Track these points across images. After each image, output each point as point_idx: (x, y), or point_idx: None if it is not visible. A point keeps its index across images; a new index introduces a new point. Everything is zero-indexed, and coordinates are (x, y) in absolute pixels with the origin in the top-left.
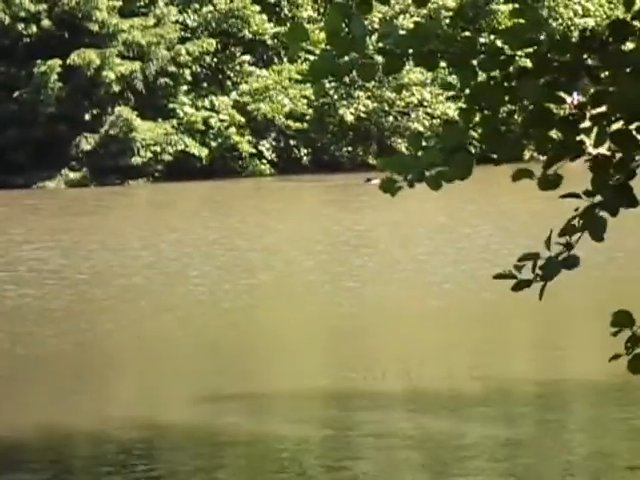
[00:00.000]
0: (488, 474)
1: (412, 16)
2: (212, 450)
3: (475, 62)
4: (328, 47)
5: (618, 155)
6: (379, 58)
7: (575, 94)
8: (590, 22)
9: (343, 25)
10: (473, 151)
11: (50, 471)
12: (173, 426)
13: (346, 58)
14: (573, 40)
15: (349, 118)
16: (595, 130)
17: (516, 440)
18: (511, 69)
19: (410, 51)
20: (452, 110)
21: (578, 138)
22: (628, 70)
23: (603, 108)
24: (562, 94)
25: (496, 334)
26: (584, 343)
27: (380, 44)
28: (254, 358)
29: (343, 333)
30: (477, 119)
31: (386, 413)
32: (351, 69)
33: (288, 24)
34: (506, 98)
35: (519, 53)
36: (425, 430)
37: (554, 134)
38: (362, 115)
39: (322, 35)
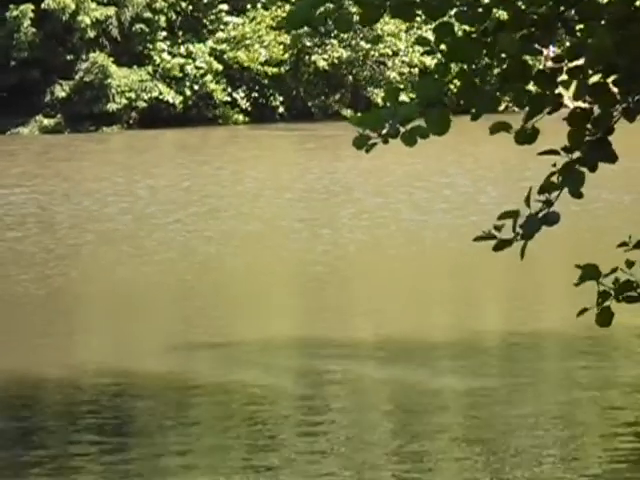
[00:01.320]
0: (457, 422)
1: None
2: (182, 397)
3: (452, 13)
4: None
5: (596, 110)
6: (355, 9)
7: (552, 47)
8: None
9: None
10: (449, 104)
11: (18, 418)
12: (144, 373)
13: (322, 8)
14: None
15: (322, 64)
16: (573, 84)
17: (484, 390)
18: (488, 22)
19: (387, 3)
20: (429, 60)
21: (555, 91)
22: (603, 22)
23: (580, 61)
24: (539, 47)
25: (467, 285)
26: (556, 295)
27: None
28: (226, 305)
29: (315, 281)
30: (454, 72)
31: (356, 362)
32: (327, 18)
33: None
34: (483, 52)
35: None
36: (395, 379)
37: (531, 87)
38: (336, 63)
39: None
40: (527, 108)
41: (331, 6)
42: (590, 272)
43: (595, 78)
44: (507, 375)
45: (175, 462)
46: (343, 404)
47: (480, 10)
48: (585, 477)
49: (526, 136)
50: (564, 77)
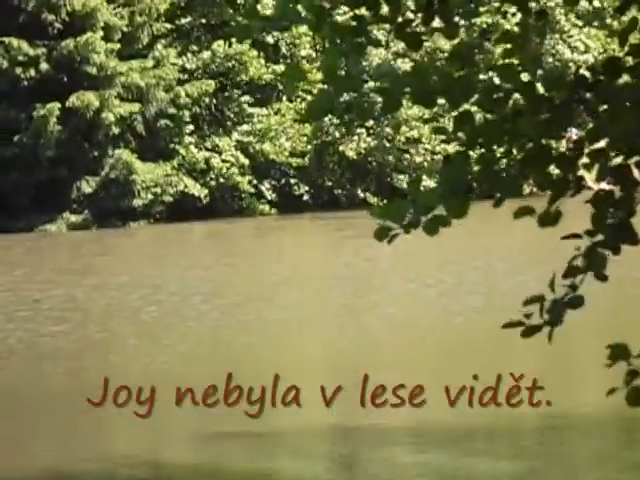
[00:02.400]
0: None
1: (409, 58)
2: None
3: (472, 100)
4: (325, 86)
5: (618, 192)
6: (376, 97)
7: (574, 130)
8: (589, 58)
9: (340, 64)
10: (472, 189)
11: None
12: (177, 464)
13: (344, 96)
14: (568, 78)
15: (350, 154)
16: (594, 166)
17: (520, 473)
18: (508, 108)
19: (407, 89)
20: (450, 147)
21: (577, 174)
22: (627, 104)
23: (602, 143)
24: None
25: (497, 365)
26: (587, 375)
27: (378, 84)
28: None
29: (348, 369)
30: (474, 159)
31: (391, 449)
32: (348, 107)
33: (286, 64)
34: (505, 138)
35: (515, 91)
36: (431, 466)
37: (553, 170)
38: (362, 152)
39: (320, 75)
40: (549, 191)
41: (353, 94)
42: (620, 352)
43: (617, 160)
44: (539, 457)
45: None
46: None
47: (500, 95)
48: None
49: (549, 219)
50: (585, 160)
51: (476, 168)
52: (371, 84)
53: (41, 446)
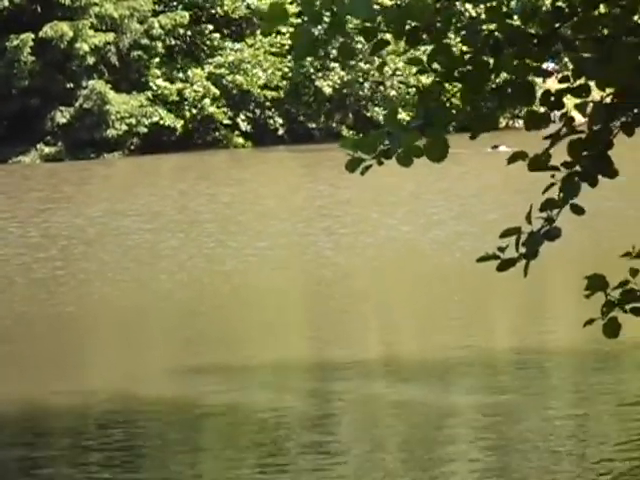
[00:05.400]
0: (471, 441)
1: None
2: (191, 421)
3: (453, 36)
4: (301, 21)
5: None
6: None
7: (550, 63)
8: None
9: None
10: (448, 126)
11: (29, 445)
12: (152, 397)
13: (320, 29)
14: (544, 10)
15: (327, 90)
16: (573, 101)
17: (496, 407)
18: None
19: (391, 26)
20: (425, 79)
21: (561, 111)
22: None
23: (582, 80)
24: (543, 65)
25: (474, 301)
26: (562, 308)
27: (363, 23)
28: (234, 326)
29: (323, 300)
30: (451, 91)
31: (367, 382)
32: (329, 45)
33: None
34: (483, 71)
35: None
36: (407, 398)
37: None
38: (337, 87)
39: (293, 8)
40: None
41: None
42: (597, 283)
43: (595, 94)
44: (518, 391)
45: None
46: (355, 426)
47: (479, 28)
48: None
49: (540, 162)
50: (576, 99)
51: (453, 100)
52: (354, 21)
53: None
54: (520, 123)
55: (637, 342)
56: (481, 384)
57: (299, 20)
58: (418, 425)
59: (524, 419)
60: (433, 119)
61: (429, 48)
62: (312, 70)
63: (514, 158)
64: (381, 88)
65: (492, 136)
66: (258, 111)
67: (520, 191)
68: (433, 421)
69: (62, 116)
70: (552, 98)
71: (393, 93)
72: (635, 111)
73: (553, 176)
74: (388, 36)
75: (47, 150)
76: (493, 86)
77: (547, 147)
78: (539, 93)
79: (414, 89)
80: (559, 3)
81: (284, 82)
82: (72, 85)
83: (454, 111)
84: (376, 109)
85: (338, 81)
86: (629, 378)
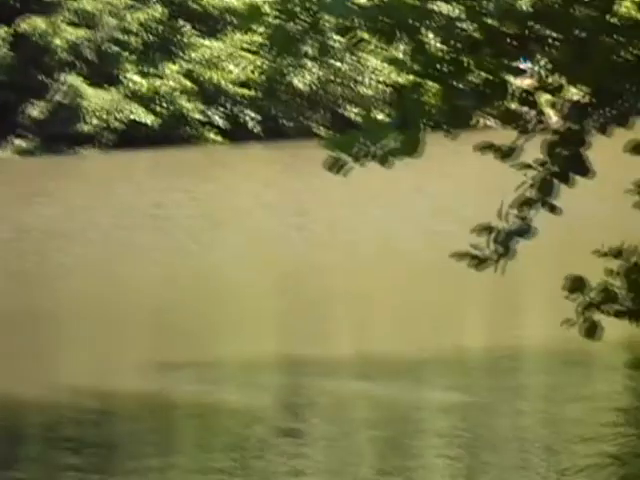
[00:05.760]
0: (442, 437)
1: None
2: (162, 417)
3: (429, 31)
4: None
5: (572, 125)
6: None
7: (523, 62)
8: None
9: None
10: (424, 124)
11: None
12: (125, 391)
13: (296, 27)
14: (519, 9)
15: (300, 86)
16: (550, 101)
17: (470, 404)
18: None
19: (367, 24)
20: (402, 79)
21: (539, 110)
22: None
23: (557, 78)
24: (517, 65)
25: (448, 298)
26: (538, 308)
27: (340, 21)
28: (207, 321)
29: (296, 297)
30: (430, 92)
31: (337, 378)
32: (305, 43)
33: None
34: (460, 70)
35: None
36: (379, 395)
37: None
38: (313, 85)
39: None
40: (510, 127)
41: (308, 28)
42: (576, 284)
43: (571, 94)
44: (490, 389)
45: None
46: (326, 422)
47: (457, 26)
48: None
49: (509, 153)
50: (548, 96)
51: (430, 100)
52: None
53: None
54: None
55: (609, 341)
56: (453, 381)
57: (276, 19)
58: (390, 421)
59: (496, 416)
60: (410, 117)
61: (407, 47)
62: (287, 67)
63: (483, 148)
64: (357, 87)
65: (470, 135)
66: (233, 108)
67: (499, 189)
68: (405, 417)
69: (37, 110)
70: (526, 96)
71: (370, 92)
72: (609, 110)
73: (526, 175)
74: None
75: (21, 144)
76: (469, 84)
77: (515, 139)
78: (513, 91)
79: (390, 88)
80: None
81: (259, 79)
82: (47, 79)
83: (431, 109)
84: (351, 108)
85: (314, 79)
86: (600, 377)
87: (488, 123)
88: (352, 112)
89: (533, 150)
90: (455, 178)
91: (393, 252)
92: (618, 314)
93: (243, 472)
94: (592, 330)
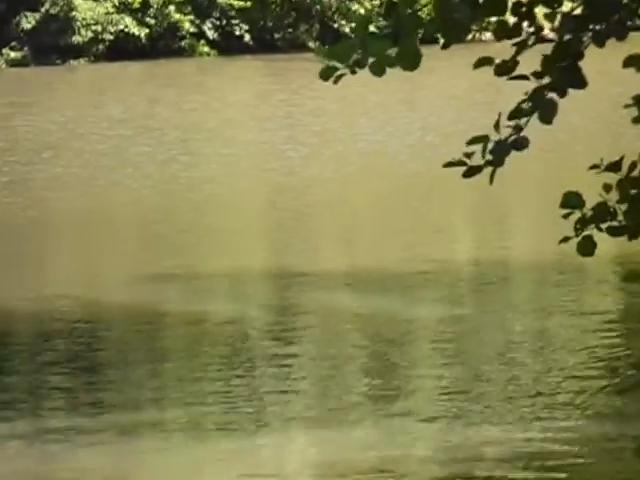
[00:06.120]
0: (432, 352)
1: None
2: (152, 328)
3: None
4: None
5: (567, 36)
6: None
7: None
8: None
9: None
10: (420, 34)
11: None
12: (113, 303)
13: None
14: None
15: None
16: (556, 15)
17: (459, 320)
18: None
19: None
20: None
21: (536, 23)
22: None
23: None
24: None
25: (439, 212)
26: (528, 222)
27: None
28: (197, 234)
29: (287, 210)
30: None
31: (328, 293)
32: None
33: None
34: None
35: None
36: (368, 310)
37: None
38: None
39: None
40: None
41: None
42: (572, 200)
43: (567, 6)
44: (479, 304)
45: (145, 394)
46: (315, 335)
47: None
48: (554, 405)
49: (506, 68)
50: (545, 9)
51: (424, 11)
52: None
53: None
54: (487, 36)
55: (599, 255)
56: (442, 296)
57: None
58: (379, 336)
59: (485, 331)
60: (404, 27)
61: None
62: None
63: (480, 63)
64: (347, 1)
65: (459, 48)
66: (224, 19)
67: (489, 102)
68: (394, 332)
69: (28, 21)
70: (523, 8)
71: (361, 10)
72: (605, 23)
73: (526, 93)
74: None
75: (12, 55)
76: None
77: (514, 53)
78: (510, 3)
79: (382, 2)
80: None
81: None
82: None
83: (426, 22)
84: (342, 22)
85: None
86: (589, 291)
87: (477, 36)
88: (342, 25)
89: (526, 62)
90: (449, 91)
91: (385, 165)
92: (612, 231)
93: (231, 381)
94: (588, 247)
